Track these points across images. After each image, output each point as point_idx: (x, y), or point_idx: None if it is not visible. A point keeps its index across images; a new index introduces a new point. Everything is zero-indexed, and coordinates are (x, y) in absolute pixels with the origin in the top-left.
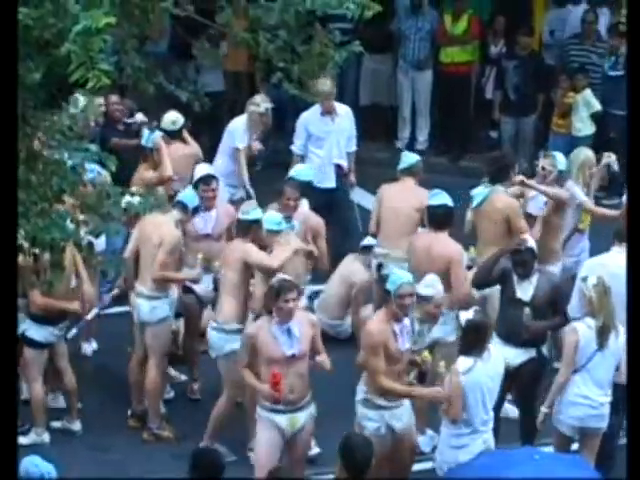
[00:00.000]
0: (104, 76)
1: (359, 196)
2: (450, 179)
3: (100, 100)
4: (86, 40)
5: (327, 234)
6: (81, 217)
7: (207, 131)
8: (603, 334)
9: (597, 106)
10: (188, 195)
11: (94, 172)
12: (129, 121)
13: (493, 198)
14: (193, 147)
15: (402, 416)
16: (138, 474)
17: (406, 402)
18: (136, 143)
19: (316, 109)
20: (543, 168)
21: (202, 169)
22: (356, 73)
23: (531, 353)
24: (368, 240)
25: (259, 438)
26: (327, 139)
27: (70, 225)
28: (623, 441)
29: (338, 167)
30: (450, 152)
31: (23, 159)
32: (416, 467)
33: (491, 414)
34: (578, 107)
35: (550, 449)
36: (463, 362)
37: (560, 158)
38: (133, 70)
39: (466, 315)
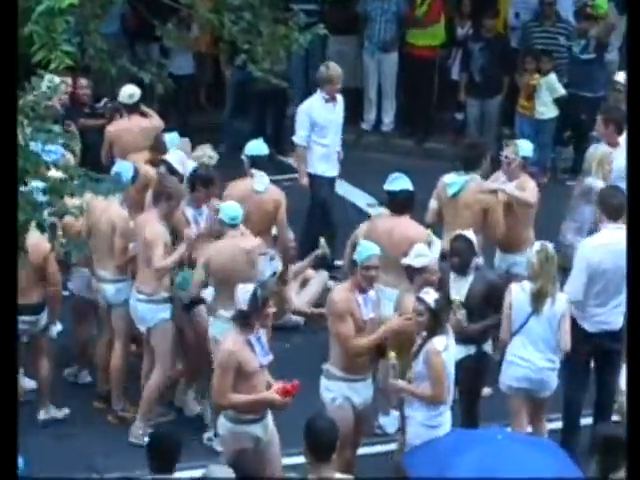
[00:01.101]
0: (66, 57)
1: None
2: (415, 161)
3: (67, 80)
4: (49, 21)
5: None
6: (43, 198)
7: (175, 113)
8: (539, 298)
9: (561, 90)
10: (122, 165)
11: (58, 154)
12: (96, 105)
13: (472, 187)
14: (153, 120)
15: (361, 391)
16: (103, 458)
17: (368, 379)
18: (102, 123)
19: (317, 97)
20: (506, 157)
21: (176, 157)
22: (322, 55)
23: (470, 350)
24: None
25: (240, 452)
26: (330, 127)
27: (32, 206)
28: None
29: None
30: (415, 134)
31: None
32: (380, 448)
33: None
34: (541, 91)
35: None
36: (439, 341)
37: (524, 144)
38: (96, 51)
39: (430, 296)
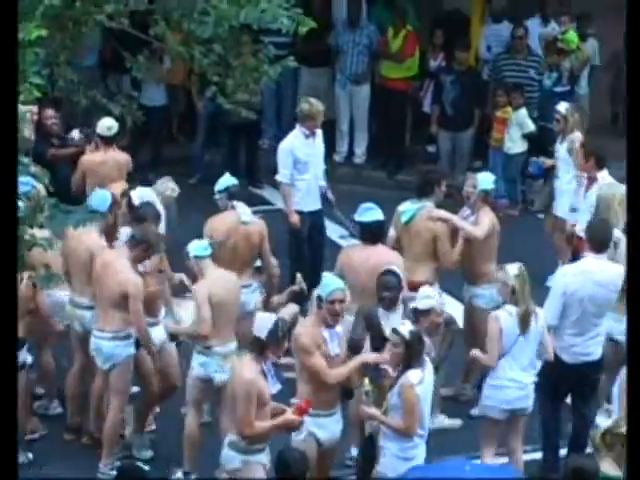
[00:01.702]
0: (35, 89)
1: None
2: (387, 193)
3: (33, 109)
4: (17, 53)
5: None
6: None
7: (147, 145)
8: (525, 320)
9: (530, 126)
10: (99, 199)
11: (29, 185)
12: (67, 136)
13: (423, 215)
14: (125, 156)
15: (328, 426)
16: None
17: (337, 413)
18: (73, 152)
19: (297, 133)
20: (466, 190)
21: (147, 192)
22: (294, 87)
23: None
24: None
25: None
26: (312, 162)
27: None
28: None
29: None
30: (387, 166)
31: None
32: None
33: None
34: (511, 126)
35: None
36: (414, 374)
37: (484, 177)
38: (65, 83)
39: (406, 328)
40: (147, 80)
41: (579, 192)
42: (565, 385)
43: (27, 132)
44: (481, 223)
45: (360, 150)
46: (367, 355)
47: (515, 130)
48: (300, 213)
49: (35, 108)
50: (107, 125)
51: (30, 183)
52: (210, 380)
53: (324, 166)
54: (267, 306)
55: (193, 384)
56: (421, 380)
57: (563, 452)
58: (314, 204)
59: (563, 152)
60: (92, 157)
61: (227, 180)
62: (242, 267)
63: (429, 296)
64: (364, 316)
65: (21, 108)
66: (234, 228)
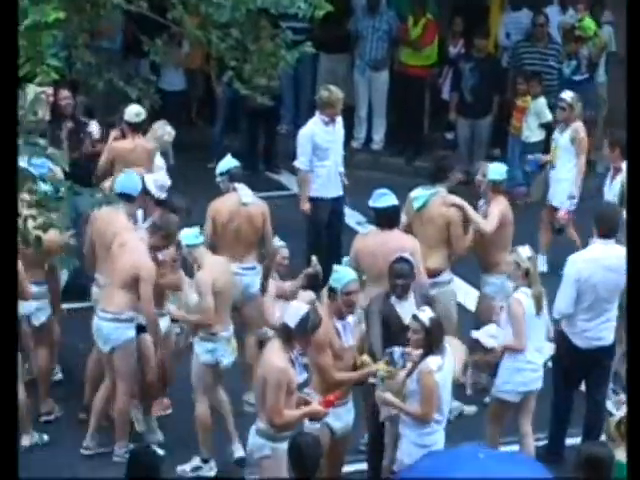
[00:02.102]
0: (53, 71)
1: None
2: (405, 179)
3: (47, 90)
4: (35, 35)
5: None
6: (28, 212)
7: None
8: (539, 301)
9: (547, 116)
10: (129, 183)
11: (45, 167)
12: (84, 121)
13: (436, 201)
14: (152, 144)
15: (342, 415)
16: (87, 473)
17: (349, 402)
18: (98, 150)
19: (317, 120)
20: (477, 179)
21: (163, 176)
22: (313, 72)
23: None
24: (274, 243)
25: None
26: (332, 148)
27: (17, 220)
28: None
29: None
30: (405, 153)
31: None
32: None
33: None
34: (529, 115)
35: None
36: (433, 361)
37: (494, 168)
38: (83, 65)
39: (426, 315)
40: (166, 64)
41: (578, 181)
42: (578, 371)
43: (41, 113)
44: (490, 215)
45: (378, 136)
46: (377, 366)
47: (533, 119)
48: (320, 200)
49: (50, 89)
50: (135, 112)
51: (46, 165)
52: (217, 364)
53: (343, 152)
54: (264, 289)
55: (200, 371)
56: (440, 367)
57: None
58: (335, 190)
59: (565, 141)
60: (122, 144)
61: (228, 162)
62: (245, 249)
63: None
64: (380, 311)
65: (35, 89)
66: (236, 210)
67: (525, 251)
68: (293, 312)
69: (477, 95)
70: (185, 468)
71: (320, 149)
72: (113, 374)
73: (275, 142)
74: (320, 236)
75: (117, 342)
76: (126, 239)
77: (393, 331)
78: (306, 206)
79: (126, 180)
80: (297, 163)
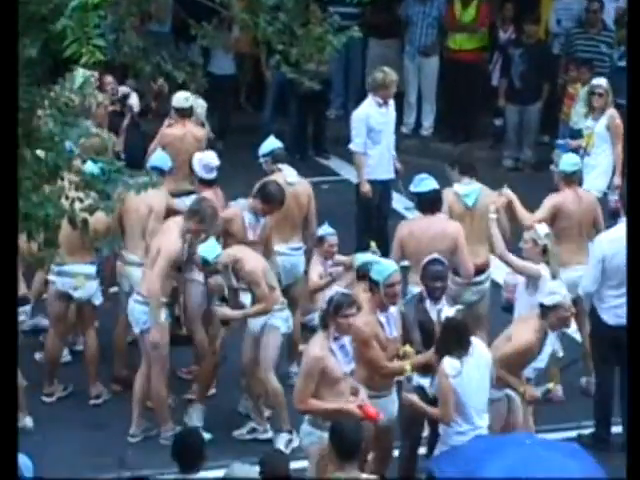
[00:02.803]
0: (98, 52)
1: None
2: None
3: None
4: (82, 15)
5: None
6: (75, 194)
7: (216, 114)
8: (556, 276)
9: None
10: (160, 157)
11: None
12: (125, 94)
13: (485, 196)
14: (202, 130)
15: (387, 407)
16: (134, 453)
17: (392, 393)
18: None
19: (371, 102)
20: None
21: (211, 157)
22: (363, 58)
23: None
24: (323, 230)
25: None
26: (384, 131)
27: (64, 202)
28: None
29: None
30: (454, 138)
31: (19, 135)
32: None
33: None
34: (578, 101)
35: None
36: (450, 363)
37: (567, 159)
38: (131, 49)
39: (446, 313)
40: (216, 48)
41: (619, 167)
42: (611, 349)
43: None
44: (540, 208)
45: (427, 122)
46: (426, 356)
47: (581, 105)
48: (371, 182)
49: (96, 74)
50: (183, 97)
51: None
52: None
53: (394, 136)
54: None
55: (278, 344)
56: (459, 372)
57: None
58: (387, 173)
59: (601, 128)
60: (173, 131)
61: (272, 143)
62: (292, 229)
63: (554, 291)
64: (415, 317)
65: (85, 72)
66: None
67: (543, 228)
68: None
69: (526, 81)
70: (242, 431)
71: (374, 131)
72: (147, 357)
73: (324, 127)
74: (369, 220)
75: (145, 325)
76: (165, 221)
77: (427, 336)
78: (366, 188)
79: (158, 155)
80: (352, 146)
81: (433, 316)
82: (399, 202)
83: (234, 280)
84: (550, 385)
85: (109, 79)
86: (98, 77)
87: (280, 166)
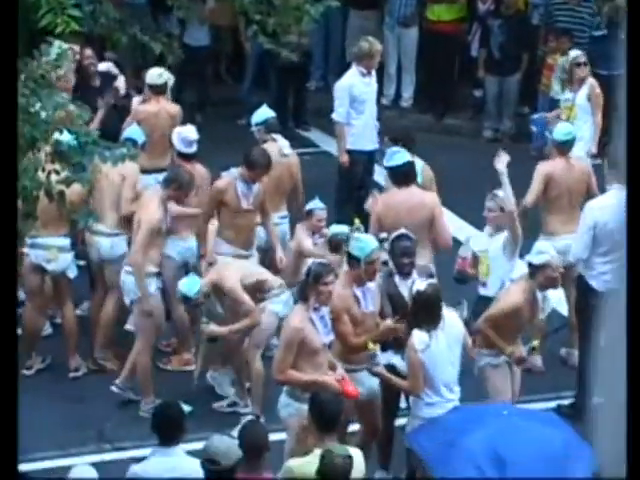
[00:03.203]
0: (73, 22)
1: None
2: (434, 136)
3: (75, 48)
4: None
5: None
6: (52, 166)
7: (193, 86)
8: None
9: None
10: (134, 130)
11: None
12: (100, 70)
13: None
14: (175, 107)
15: (364, 380)
16: (114, 427)
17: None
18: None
19: (354, 72)
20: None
21: (189, 131)
22: (343, 29)
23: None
24: (313, 204)
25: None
26: (368, 100)
27: (41, 174)
28: None
29: None
30: (434, 110)
31: None
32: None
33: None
34: (558, 71)
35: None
36: (419, 336)
37: (560, 128)
38: (107, 20)
39: (418, 286)
40: (190, 20)
41: (596, 137)
42: (597, 314)
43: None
44: (534, 180)
45: (407, 94)
46: (393, 325)
47: (562, 74)
48: (355, 153)
49: (76, 47)
50: (157, 73)
51: None
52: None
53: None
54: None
55: (273, 327)
56: (427, 345)
57: None
58: (370, 144)
59: (582, 99)
60: (147, 107)
61: (265, 112)
62: (282, 198)
63: (542, 251)
64: (384, 291)
65: (62, 45)
66: (277, 161)
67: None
68: (304, 269)
69: (505, 52)
70: (222, 404)
71: (357, 101)
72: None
73: (305, 99)
74: (350, 192)
75: (135, 296)
76: (144, 194)
77: (398, 311)
78: (345, 158)
79: (132, 128)
80: (335, 115)
81: (403, 291)
82: (380, 174)
83: (219, 307)
84: (535, 343)
85: (88, 52)
86: (77, 51)
87: (274, 136)
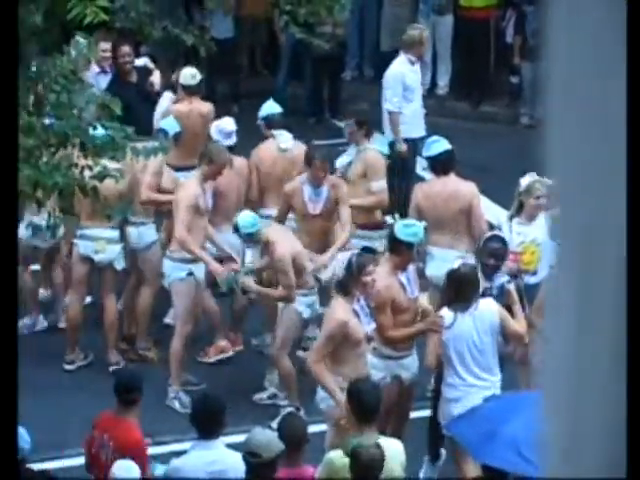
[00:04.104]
0: (101, 12)
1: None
2: (470, 124)
3: (106, 46)
4: None
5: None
6: (84, 162)
7: (225, 79)
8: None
9: None
10: (168, 121)
11: None
12: (136, 65)
13: None
14: (208, 106)
15: (410, 366)
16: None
17: (414, 353)
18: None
19: (403, 60)
20: None
21: (227, 123)
22: (377, 18)
23: None
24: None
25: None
26: (417, 88)
27: (74, 170)
28: None
29: None
30: (470, 97)
31: (27, 104)
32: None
33: (496, 371)
34: None
35: None
36: (445, 315)
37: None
38: (137, 14)
39: (455, 265)
40: (215, 12)
41: None
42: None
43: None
44: None
45: (443, 82)
46: (433, 321)
47: None
48: (407, 141)
49: (109, 45)
50: (191, 73)
51: None
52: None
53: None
54: None
55: (298, 325)
56: (451, 324)
57: None
58: (419, 131)
59: None
60: (179, 107)
61: (269, 107)
62: None
63: None
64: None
65: (82, 41)
66: (277, 157)
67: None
68: (337, 265)
69: (540, 38)
70: (263, 396)
71: (408, 89)
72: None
73: (339, 89)
74: (392, 179)
75: (169, 279)
76: (177, 197)
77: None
78: (404, 147)
79: (168, 120)
80: (389, 105)
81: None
82: (418, 163)
83: (260, 259)
84: None
85: (125, 49)
86: (113, 47)
87: (274, 132)
